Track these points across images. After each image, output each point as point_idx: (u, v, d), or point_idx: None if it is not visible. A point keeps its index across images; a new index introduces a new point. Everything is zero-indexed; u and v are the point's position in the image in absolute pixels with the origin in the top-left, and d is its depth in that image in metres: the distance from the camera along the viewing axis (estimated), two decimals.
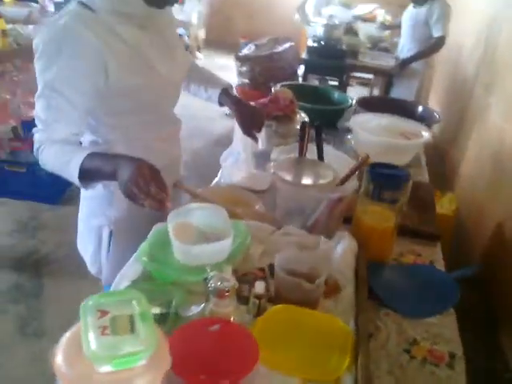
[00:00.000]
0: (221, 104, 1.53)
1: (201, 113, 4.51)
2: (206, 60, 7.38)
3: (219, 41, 7.67)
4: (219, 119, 4.87)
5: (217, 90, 1.52)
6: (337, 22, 4.34)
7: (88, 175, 1.14)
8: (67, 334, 0.78)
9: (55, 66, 1.13)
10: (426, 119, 2.21)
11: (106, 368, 0.71)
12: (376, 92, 5.33)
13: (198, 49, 7.63)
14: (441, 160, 4.21)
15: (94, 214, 1.41)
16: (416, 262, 1.36)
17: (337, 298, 1.11)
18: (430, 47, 3.96)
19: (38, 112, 1.18)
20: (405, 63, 4.06)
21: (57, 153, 1.17)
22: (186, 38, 7.11)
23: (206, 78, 1.57)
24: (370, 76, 5.42)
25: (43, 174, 2.95)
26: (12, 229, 2.94)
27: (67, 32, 1.13)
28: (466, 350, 1.09)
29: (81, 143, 1.34)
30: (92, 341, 0.72)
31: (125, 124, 1.30)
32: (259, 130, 1.44)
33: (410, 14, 4.10)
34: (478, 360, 1.50)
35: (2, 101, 2.70)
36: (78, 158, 1.13)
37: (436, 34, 3.84)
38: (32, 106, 2.81)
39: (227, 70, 6.01)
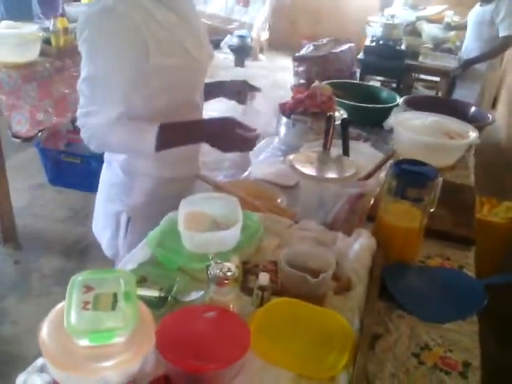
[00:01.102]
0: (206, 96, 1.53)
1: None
2: (267, 61, 7.42)
3: (283, 43, 7.67)
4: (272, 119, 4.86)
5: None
6: (396, 22, 4.21)
7: (164, 145, 1.23)
8: (55, 308, 0.80)
9: (102, 47, 1.18)
10: (478, 120, 2.09)
11: (84, 342, 0.72)
12: (441, 95, 5.12)
13: (261, 50, 7.68)
14: (505, 168, 3.97)
15: (113, 199, 1.45)
16: (443, 266, 1.29)
17: (347, 295, 1.07)
18: (496, 48, 3.76)
19: (87, 93, 1.22)
20: (467, 64, 3.87)
21: (122, 131, 1.23)
22: (249, 39, 7.19)
23: None
24: (437, 78, 5.21)
25: (96, 166, 3.08)
26: (66, 216, 3.09)
27: (111, 13, 1.16)
28: (487, 361, 1.02)
29: None
30: (72, 315, 0.73)
31: (154, 105, 1.32)
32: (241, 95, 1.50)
33: (475, 12, 3.91)
34: (497, 371, 1.38)
35: (62, 95, 2.84)
36: (150, 130, 1.21)
37: (502, 33, 3.63)
38: None
39: (287, 70, 6.01)
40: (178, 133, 1.27)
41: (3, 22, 3.08)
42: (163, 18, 1.24)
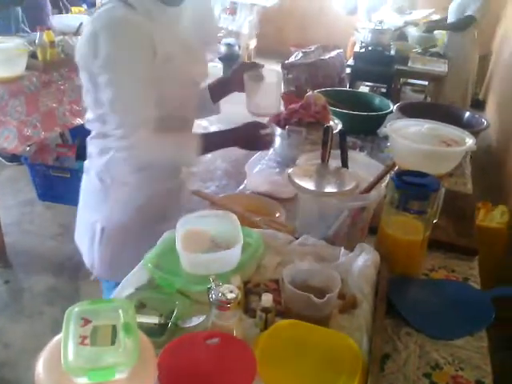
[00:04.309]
0: (213, 97, 1.53)
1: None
2: None
3: (271, 50, 7.64)
4: None
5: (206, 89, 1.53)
6: (385, 27, 4.22)
7: (203, 151, 1.31)
8: (52, 341, 0.76)
9: (119, 52, 1.17)
10: (473, 126, 2.07)
11: (83, 380, 0.68)
12: (430, 99, 5.14)
13: (249, 58, 7.66)
14: (497, 170, 3.98)
15: (89, 208, 1.44)
16: (448, 278, 1.26)
17: (352, 314, 1.04)
18: (458, 22, 4.21)
19: (115, 102, 1.20)
20: (431, 28, 4.49)
21: (161, 142, 1.27)
22: (237, 47, 7.17)
23: None
24: (425, 82, 5.22)
25: None
26: (56, 232, 3.02)
27: (119, 22, 1.17)
28: (499, 378, 0.99)
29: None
30: (70, 350, 0.69)
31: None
32: None
33: (456, 3, 4.16)
34: None
35: (50, 109, 2.78)
36: (191, 139, 1.31)
37: (468, 12, 4.06)
38: (77, 114, 2.91)
39: None
40: (213, 141, 1.37)
41: None
42: (166, 31, 1.24)
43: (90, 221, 1.43)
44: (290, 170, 1.23)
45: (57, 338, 0.76)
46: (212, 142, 1.37)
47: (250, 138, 1.39)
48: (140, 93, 1.21)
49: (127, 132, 1.20)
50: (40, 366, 0.72)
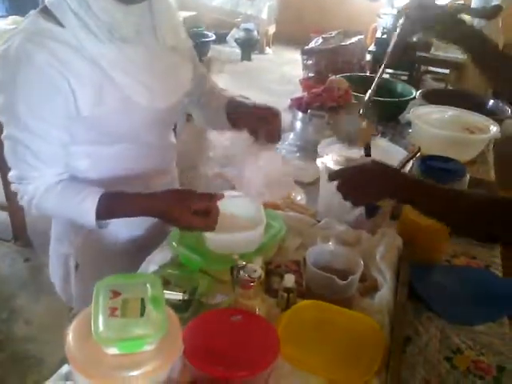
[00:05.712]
0: (229, 119, 1.22)
1: None
2: (274, 55, 7.35)
3: (290, 36, 7.58)
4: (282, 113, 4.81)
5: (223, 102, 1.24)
6: None
7: (106, 214, 1.03)
8: (81, 314, 0.78)
9: (15, 99, 0.96)
10: (496, 113, 2.05)
11: (112, 350, 0.70)
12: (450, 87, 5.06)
13: (268, 44, 7.61)
14: None
15: (61, 239, 1.26)
16: (469, 265, 1.25)
17: (373, 297, 1.04)
18: (484, 11, 3.97)
19: (10, 157, 1.02)
20: (457, 11, 4.13)
21: (59, 198, 1.04)
22: (256, 32, 7.12)
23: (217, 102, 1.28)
24: (447, 71, 5.14)
25: None
26: None
27: (19, 58, 0.94)
28: None
29: None
30: (100, 322, 0.71)
31: (95, 154, 1.13)
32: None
33: None
34: None
35: None
36: (91, 197, 1.01)
37: (495, 1, 3.85)
38: None
39: (294, 64, 5.96)
40: (122, 204, 1.05)
41: (10, 18, 3.05)
42: (96, 51, 0.98)
43: (62, 254, 1.26)
44: (321, 155, 1.23)
45: (85, 311, 0.78)
46: (121, 205, 1.05)
47: (177, 212, 0.98)
48: (40, 148, 1.00)
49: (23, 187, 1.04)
50: (70, 337, 0.74)
